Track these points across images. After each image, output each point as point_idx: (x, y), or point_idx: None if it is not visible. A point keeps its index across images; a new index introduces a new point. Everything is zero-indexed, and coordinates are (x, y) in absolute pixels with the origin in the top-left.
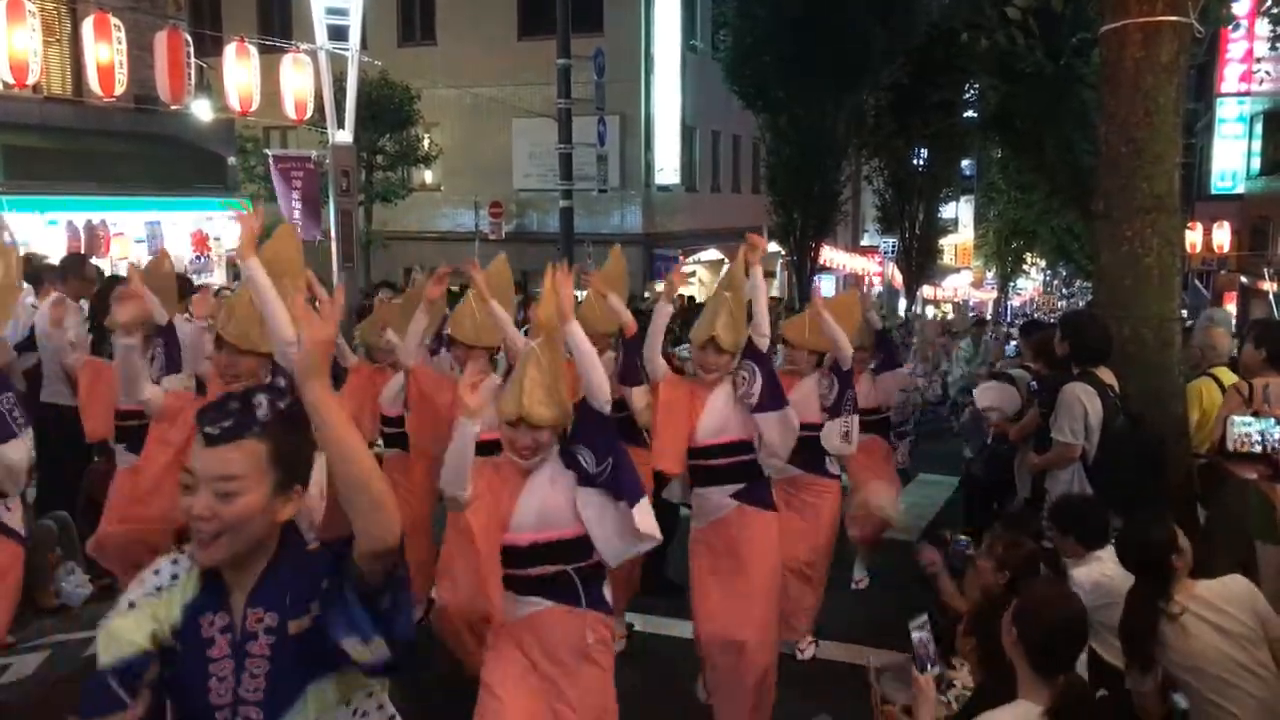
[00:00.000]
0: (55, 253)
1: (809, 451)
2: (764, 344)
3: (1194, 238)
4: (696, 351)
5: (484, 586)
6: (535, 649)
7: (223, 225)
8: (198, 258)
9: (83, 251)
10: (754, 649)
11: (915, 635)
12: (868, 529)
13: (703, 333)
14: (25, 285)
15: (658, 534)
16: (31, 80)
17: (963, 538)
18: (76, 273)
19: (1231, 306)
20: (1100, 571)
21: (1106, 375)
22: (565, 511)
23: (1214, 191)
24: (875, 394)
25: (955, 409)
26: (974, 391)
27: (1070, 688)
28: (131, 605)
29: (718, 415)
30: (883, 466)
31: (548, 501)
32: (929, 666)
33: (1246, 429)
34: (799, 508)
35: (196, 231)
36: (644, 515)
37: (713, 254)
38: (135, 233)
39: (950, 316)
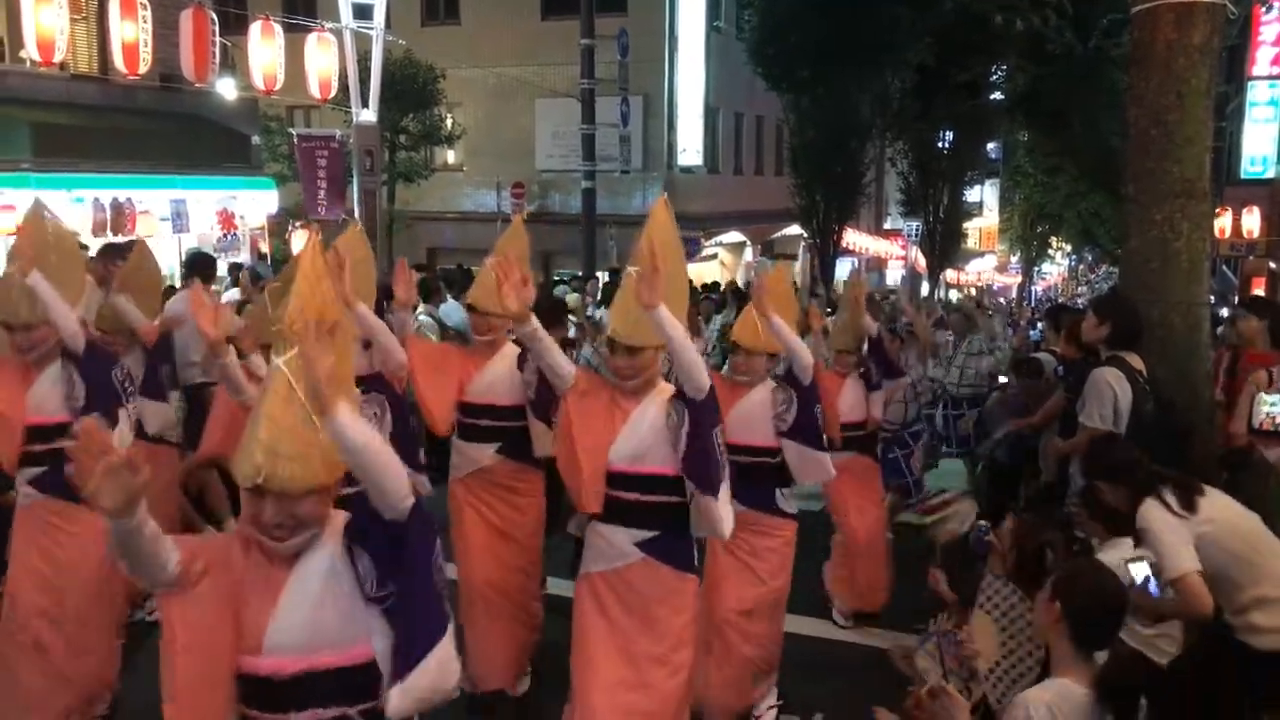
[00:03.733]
0: (81, 230)
1: (756, 482)
2: (806, 377)
3: (1223, 223)
4: (608, 354)
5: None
6: None
7: (248, 203)
8: (225, 235)
9: (108, 229)
10: None
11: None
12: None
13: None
14: None
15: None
16: (58, 58)
17: (983, 523)
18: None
19: (1260, 292)
20: (1120, 557)
21: (1135, 361)
22: (340, 627)
23: (1244, 176)
24: (865, 406)
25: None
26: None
27: (1120, 660)
28: None
29: (636, 437)
30: (867, 489)
31: (318, 611)
32: (949, 676)
33: (1272, 408)
34: (744, 553)
35: (222, 210)
36: (398, 698)
37: (735, 236)
38: (160, 210)
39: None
